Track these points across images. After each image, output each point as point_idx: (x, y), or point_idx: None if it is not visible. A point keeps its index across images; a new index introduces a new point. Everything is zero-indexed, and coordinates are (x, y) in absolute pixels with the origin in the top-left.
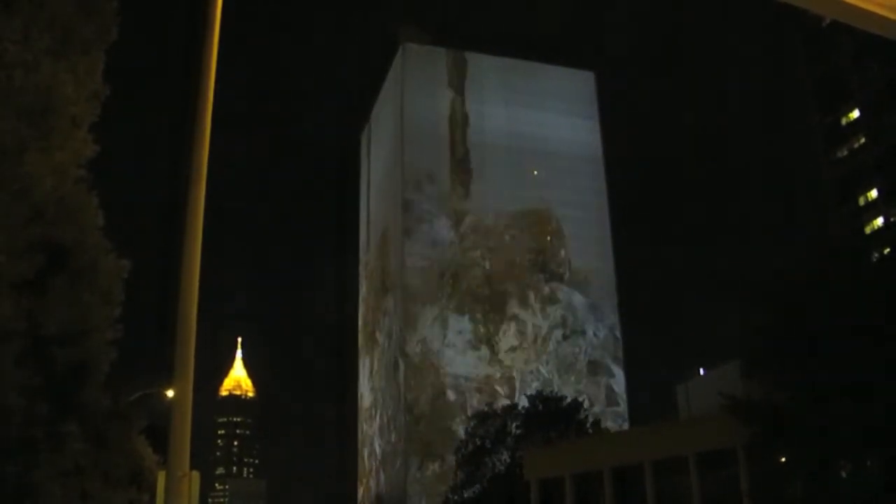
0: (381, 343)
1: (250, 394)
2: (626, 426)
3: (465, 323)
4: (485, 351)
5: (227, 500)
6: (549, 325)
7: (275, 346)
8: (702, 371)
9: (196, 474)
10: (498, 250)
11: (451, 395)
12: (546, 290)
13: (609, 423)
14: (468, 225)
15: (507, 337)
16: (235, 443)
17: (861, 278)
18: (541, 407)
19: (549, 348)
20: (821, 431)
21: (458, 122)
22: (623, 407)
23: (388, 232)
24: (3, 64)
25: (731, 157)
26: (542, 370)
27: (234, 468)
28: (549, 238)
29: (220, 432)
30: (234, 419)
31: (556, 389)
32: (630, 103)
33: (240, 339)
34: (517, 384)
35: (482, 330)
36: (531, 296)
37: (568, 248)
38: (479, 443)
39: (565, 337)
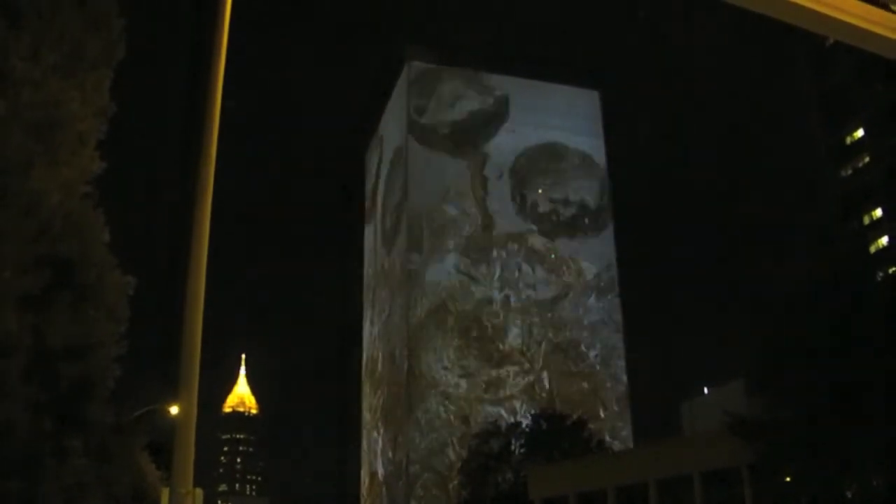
0: (384, 362)
1: (254, 411)
2: (630, 445)
3: (469, 344)
4: (488, 371)
5: None
6: (553, 343)
7: (278, 364)
8: (706, 390)
9: (199, 492)
10: (505, 268)
11: (455, 414)
12: (550, 312)
13: (613, 442)
14: (474, 246)
15: (512, 356)
16: (238, 460)
17: (864, 297)
18: (545, 425)
19: (552, 367)
20: (825, 450)
21: (463, 141)
22: (627, 425)
23: (394, 253)
24: (12, 80)
25: (736, 174)
26: (547, 388)
27: (237, 485)
28: (552, 256)
29: (223, 449)
30: (238, 436)
31: (559, 408)
32: (635, 121)
33: (243, 356)
34: (522, 403)
35: (486, 350)
36: (536, 317)
37: (573, 267)
38: (483, 461)
39: (569, 355)
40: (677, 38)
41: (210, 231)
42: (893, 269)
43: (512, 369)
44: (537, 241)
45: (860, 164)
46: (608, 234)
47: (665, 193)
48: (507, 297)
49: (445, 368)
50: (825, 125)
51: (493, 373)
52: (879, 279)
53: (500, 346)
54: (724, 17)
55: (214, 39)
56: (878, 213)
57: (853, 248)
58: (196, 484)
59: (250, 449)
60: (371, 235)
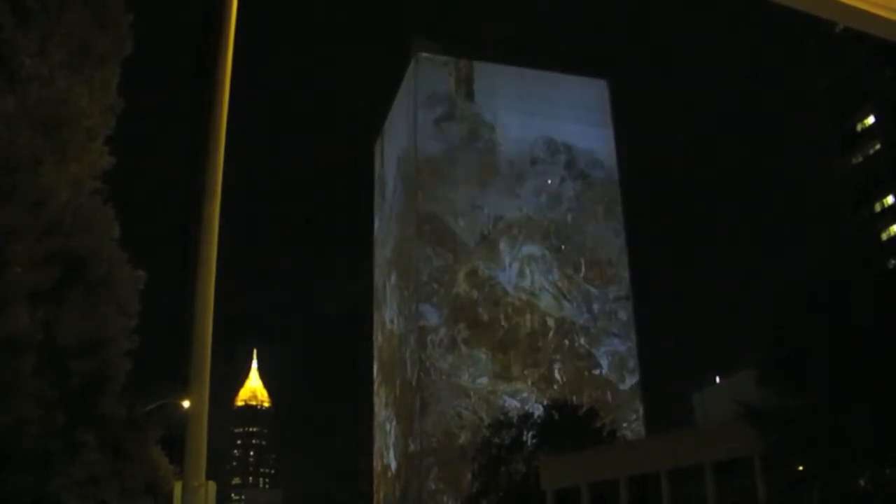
0: (396, 354)
1: (266, 404)
2: (642, 435)
3: (480, 336)
4: (500, 362)
5: None
6: (565, 333)
7: (290, 357)
8: (717, 379)
9: (212, 484)
10: (517, 259)
11: (466, 406)
12: (561, 302)
13: (625, 432)
14: (484, 239)
15: (524, 347)
16: (251, 453)
17: (876, 285)
18: (556, 416)
19: (564, 357)
20: (837, 439)
21: (472, 132)
22: (639, 416)
23: (404, 246)
24: (20, 77)
25: (745, 163)
26: (558, 379)
27: (250, 478)
28: (563, 247)
29: (236, 442)
30: (250, 429)
31: (571, 398)
32: (644, 111)
33: (255, 350)
34: (533, 394)
35: (498, 341)
36: (547, 308)
37: (583, 258)
38: (494, 452)
39: (581, 345)
40: (686, 27)
41: (220, 225)
42: None
43: (524, 360)
44: (548, 231)
45: (871, 152)
46: (618, 223)
47: (675, 184)
48: (518, 289)
49: (458, 361)
50: (835, 113)
51: (505, 364)
52: (892, 266)
53: (512, 338)
54: (732, 6)
55: (222, 34)
56: (890, 200)
57: (865, 236)
58: (209, 477)
59: (263, 442)
60: (382, 228)
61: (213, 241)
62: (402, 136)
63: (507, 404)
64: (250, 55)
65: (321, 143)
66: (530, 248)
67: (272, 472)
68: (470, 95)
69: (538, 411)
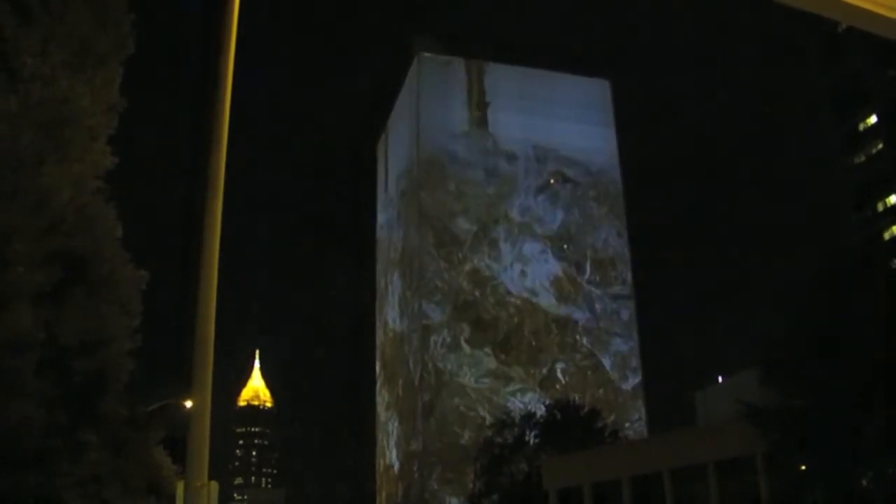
0: (399, 354)
1: (268, 404)
2: (644, 434)
3: (483, 336)
4: (503, 362)
5: None
6: (568, 333)
7: (292, 357)
8: (720, 378)
9: (214, 484)
10: (518, 259)
11: (469, 405)
12: (563, 302)
13: (627, 432)
14: (486, 238)
15: (526, 347)
16: (253, 453)
17: (877, 285)
18: (559, 416)
19: (566, 357)
20: (840, 438)
21: (475, 132)
22: (641, 415)
23: (406, 245)
24: (22, 77)
25: (748, 163)
26: (560, 379)
27: (253, 478)
28: (566, 246)
29: (238, 442)
30: (253, 429)
31: (573, 398)
32: (646, 111)
33: (258, 350)
34: (535, 393)
35: (500, 341)
36: (549, 308)
37: (586, 258)
38: (497, 452)
39: (583, 345)
40: (687, 27)
41: (222, 224)
42: None
43: (526, 360)
44: (550, 230)
45: (873, 151)
46: (620, 222)
47: (677, 184)
48: (520, 288)
49: (460, 360)
50: (837, 113)
51: (508, 364)
52: (895, 266)
53: (515, 337)
54: (734, 6)
55: (224, 33)
56: (893, 199)
57: (868, 236)
58: (211, 477)
59: (265, 442)
60: (384, 227)
61: (215, 241)
62: (404, 136)
63: (509, 404)
64: (252, 54)
65: (323, 142)
66: (532, 248)
67: (274, 471)
68: (472, 95)
69: (540, 411)
